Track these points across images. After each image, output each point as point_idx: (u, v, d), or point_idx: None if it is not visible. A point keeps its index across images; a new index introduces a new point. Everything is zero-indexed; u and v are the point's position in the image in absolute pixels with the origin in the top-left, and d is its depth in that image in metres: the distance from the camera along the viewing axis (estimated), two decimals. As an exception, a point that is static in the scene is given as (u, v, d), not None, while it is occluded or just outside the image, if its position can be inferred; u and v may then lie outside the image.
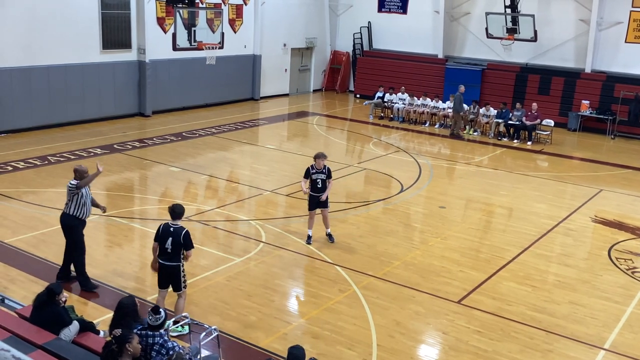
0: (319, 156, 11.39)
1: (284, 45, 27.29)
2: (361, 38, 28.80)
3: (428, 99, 23.79)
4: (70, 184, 8.96)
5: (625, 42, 23.08)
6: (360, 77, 28.45)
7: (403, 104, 23.95)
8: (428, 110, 23.41)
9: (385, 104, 24.27)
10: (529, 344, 8.25)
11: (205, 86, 23.77)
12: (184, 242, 7.76)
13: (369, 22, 28.60)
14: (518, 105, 21.83)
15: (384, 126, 22.85)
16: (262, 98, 26.36)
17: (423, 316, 8.94)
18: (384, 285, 9.82)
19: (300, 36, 27.99)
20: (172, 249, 7.81)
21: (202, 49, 20.57)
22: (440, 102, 23.56)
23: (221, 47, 24.03)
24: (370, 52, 28.63)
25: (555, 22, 24.05)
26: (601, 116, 22.81)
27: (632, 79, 22.59)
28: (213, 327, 7.00)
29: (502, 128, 21.66)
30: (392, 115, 23.94)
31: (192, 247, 7.87)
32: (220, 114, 22.90)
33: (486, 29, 24.45)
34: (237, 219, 12.50)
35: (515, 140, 21.18)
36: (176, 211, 7.97)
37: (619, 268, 11.00)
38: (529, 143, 20.92)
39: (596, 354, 8.17)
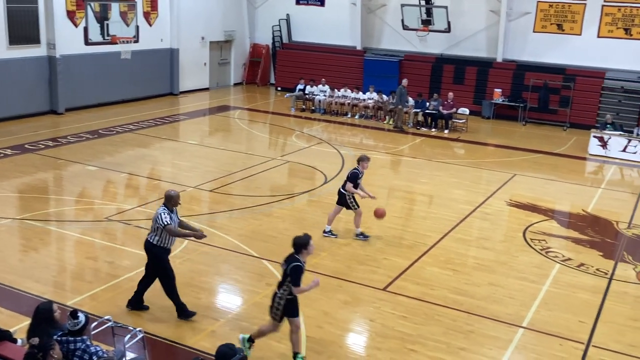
0: (367, 159, 11.41)
1: (202, 38, 26.85)
2: (280, 31, 28.74)
3: (349, 91, 24.08)
4: (160, 216, 8.06)
5: (534, 31, 24.16)
6: (281, 69, 28.42)
7: (324, 95, 24.12)
8: (349, 101, 23.69)
9: (307, 96, 24.37)
10: (452, 326, 8.55)
11: (122, 81, 23.05)
12: (290, 274, 7.22)
13: (288, 14, 28.57)
14: (435, 95, 22.46)
15: (306, 118, 22.94)
16: (181, 93, 25.87)
17: (350, 305, 9.08)
18: (311, 276, 9.88)
19: (218, 29, 27.61)
20: (283, 273, 7.35)
21: (117, 43, 19.97)
22: (360, 93, 23.90)
23: (136, 41, 23.40)
24: (289, 45, 28.62)
25: (468, 13, 24.85)
26: (513, 104, 23.80)
27: (540, 67, 23.69)
28: (138, 329, 6.83)
29: (420, 117, 22.22)
30: (313, 107, 24.07)
31: (296, 285, 7.18)
32: (138, 110, 22.29)
33: (402, 20, 24.99)
34: (159, 217, 12.21)
35: (433, 129, 21.79)
36: (295, 241, 7.35)
37: (534, 249, 11.55)
38: (446, 131, 21.57)
39: (515, 332, 8.55)
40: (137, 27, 23.45)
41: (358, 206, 11.47)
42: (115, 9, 22.45)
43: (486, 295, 9.58)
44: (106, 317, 7.23)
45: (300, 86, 24.56)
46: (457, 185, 15.38)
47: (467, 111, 22.61)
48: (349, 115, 23.42)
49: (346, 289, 9.52)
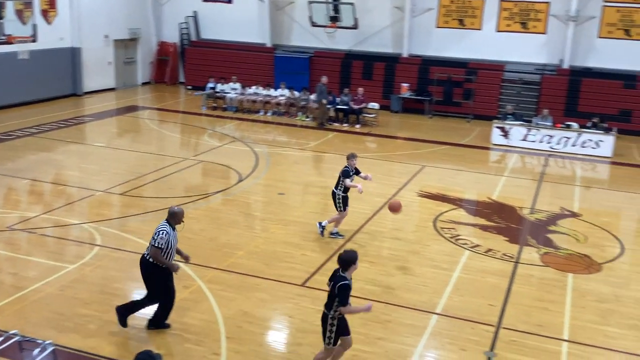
0: (354, 156, 11.67)
1: (106, 36, 25.92)
2: (188, 28, 28.22)
3: (260, 88, 23.99)
4: (157, 234, 7.63)
5: (437, 27, 24.98)
6: (190, 68, 27.92)
7: (235, 93, 23.92)
8: (261, 99, 23.61)
9: (217, 94, 24.07)
10: (369, 317, 8.71)
11: (20, 83, 21.89)
12: (337, 293, 6.80)
13: (195, 11, 28.09)
14: (345, 90, 22.78)
15: (218, 117, 22.67)
16: (86, 93, 24.88)
17: (269, 303, 9.07)
18: (229, 276, 9.81)
19: (122, 27, 26.75)
20: (330, 293, 6.94)
21: (13, 43, 18.92)
22: (272, 90, 23.88)
23: (34, 40, 22.29)
24: (198, 43, 28.16)
25: (374, 10, 25.35)
26: (420, 97, 24.53)
27: (444, 62, 24.54)
28: (47, 342, 6.54)
29: (332, 113, 22.47)
30: (225, 106, 23.81)
31: (344, 304, 6.80)
32: (40, 112, 21.25)
33: (310, 17, 25.14)
34: (67, 223, 11.72)
35: (345, 124, 22.11)
36: (342, 258, 6.99)
37: (444, 237, 11.98)
38: (358, 126, 21.94)
39: (429, 318, 8.84)
40: (35, 25, 22.33)
41: (344, 209, 11.58)
42: (10, 8, 21.27)
43: (401, 284, 9.84)
44: (12, 332, 6.87)
45: (210, 84, 24.22)
46: (370, 178, 15.67)
47: (376, 106, 23.10)
48: (261, 113, 23.34)
49: (264, 287, 9.51)
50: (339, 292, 6.74)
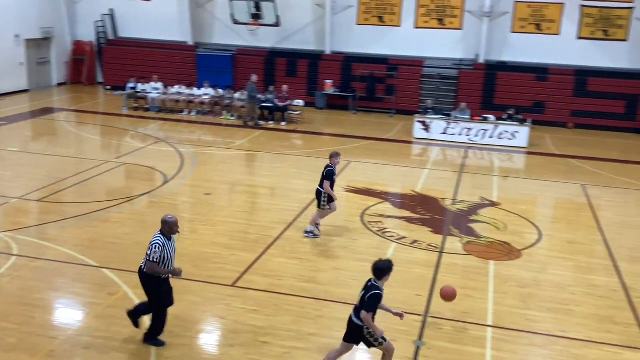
0: (337, 154, 11.56)
1: (16, 36, 24.75)
2: (104, 26, 27.35)
3: (183, 87, 23.58)
4: (152, 248, 7.41)
5: (357, 24, 25.31)
6: (109, 67, 27.09)
7: (157, 93, 23.41)
8: (184, 98, 23.20)
9: (139, 94, 23.47)
10: (301, 314, 8.77)
11: None
12: (367, 300, 6.85)
13: (111, 9, 27.27)
14: (270, 87, 22.73)
15: (140, 117, 22.11)
16: (-4, 96, 23.70)
17: (200, 305, 8.95)
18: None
19: (34, 26, 25.63)
20: (359, 305, 6.97)
21: None
22: (195, 89, 23.51)
23: (-63, 41, 21.02)
24: (116, 41, 27.35)
25: (295, 7, 25.39)
26: (343, 94, 24.81)
27: (366, 58, 24.91)
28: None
29: (257, 111, 22.36)
30: (147, 106, 23.25)
31: (370, 311, 6.87)
32: (-55, 118, 20.07)
33: (232, 15, 24.90)
34: (-20, 234, 11.14)
35: (271, 122, 22.06)
36: (377, 266, 7.00)
37: (372, 231, 12.18)
38: (283, 123, 21.95)
39: (359, 311, 8.97)
40: (-63, 25, 21.06)
41: (329, 207, 11.48)
42: None
43: (331, 279, 9.94)
44: None
45: (131, 84, 23.58)
46: (297, 175, 15.74)
47: (301, 103, 23.19)
48: (185, 113, 22.94)
49: (194, 290, 9.37)
50: (369, 299, 6.79)
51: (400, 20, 24.91)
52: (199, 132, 20.63)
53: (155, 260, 7.37)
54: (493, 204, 14.14)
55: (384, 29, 25.08)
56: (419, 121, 20.82)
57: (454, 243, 11.74)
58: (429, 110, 21.34)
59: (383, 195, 14.50)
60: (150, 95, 23.29)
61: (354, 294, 9.39)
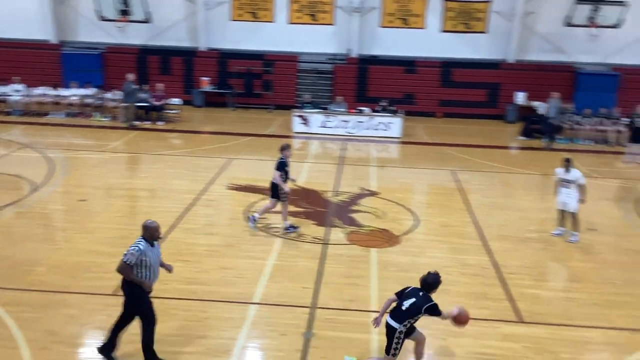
0: (288, 147, 11.84)
1: None
2: (-46, 25, 25.12)
3: (47, 88, 22.22)
4: (129, 250, 7.12)
5: (231, 20, 25.06)
6: (-39, 69, 24.92)
7: (19, 95, 21.89)
8: (49, 99, 21.88)
9: (-2, 97, 21.85)
10: (187, 317, 8.60)
11: None
12: (425, 312, 7.12)
13: (-39, 6, 25.10)
14: (144, 86, 21.99)
15: (1, 122, 20.57)
16: None
17: (78, 318, 8.51)
18: (29, 296, 9.01)
19: None
20: (406, 309, 7.12)
21: None
22: (61, 90, 22.25)
23: None
24: (-32, 41, 25.22)
25: (166, 3, 24.72)
26: (221, 91, 24.53)
27: (242, 54, 24.77)
28: None
29: (133, 111, 21.55)
30: (8, 109, 21.68)
31: (438, 315, 7.21)
32: None
33: (98, 11, 23.80)
34: None
35: (147, 122, 21.37)
36: (429, 281, 7.25)
37: (257, 227, 12.15)
38: (160, 123, 21.34)
39: (248, 309, 8.94)
40: None
41: (286, 198, 11.69)
42: None
43: (218, 279, 9.82)
44: None
45: (-12, 87, 21.88)
46: (177, 175, 15.38)
47: (178, 101, 22.68)
48: (51, 115, 21.64)
49: (72, 302, 8.89)
50: (432, 311, 7.12)
51: (273, 16, 24.98)
52: (68, 135, 19.55)
53: (129, 262, 7.09)
54: (372, 193, 14.59)
55: (258, 24, 25.04)
56: (298, 115, 21.04)
57: (338, 234, 12.00)
58: (306, 105, 21.61)
59: (266, 191, 14.47)
60: (11, 98, 21.74)
61: (242, 292, 9.37)
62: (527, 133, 21.36)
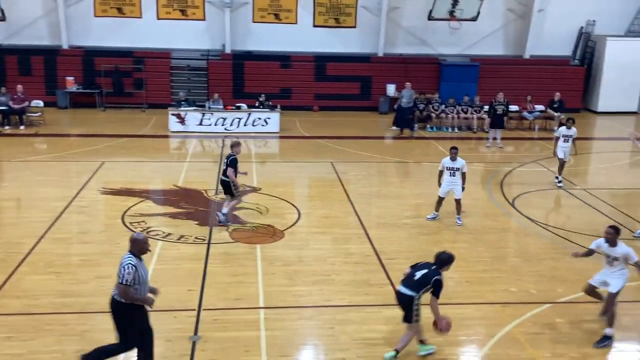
0: (238, 144, 12.28)
1: None
2: None
3: None
4: (123, 270, 6.67)
5: (95, 16, 23.90)
6: None
7: None
8: None
9: None
10: (64, 331, 8.13)
11: None
12: (432, 286, 7.56)
13: None
14: (2, 89, 20.45)
15: None
16: None
17: (-61, 344, 7.79)
18: None
19: None
20: (418, 280, 7.61)
21: None
22: None
23: None
24: None
25: (21, -1, 23.15)
26: (88, 90, 23.35)
27: (109, 52, 23.72)
28: None
29: (-12, 116, 20.03)
30: None
31: (438, 297, 7.58)
32: None
33: (-57, 7, 21.84)
34: None
35: (7, 127, 19.91)
36: (442, 258, 7.75)
37: (135, 232, 11.70)
38: (22, 127, 19.98)
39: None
40: None
41: (239, 193, 12.22)
42: None
43: (95, 290, 9.35)
44: None
45: None
46: (45, 182, 14.48)
47: (41, 103, 21.30)
48: None
49: None
50: (436, 285, 7.52)
51: (140, 12, 24.10)
52: None
53: (128, 282, 6.64)
54: (254, 190, 14.55)
55: (124, 20, 24.05)
56: (173, 114, 20.51)
57: (221, 232, 11.85)
58: (182, 103, 21.11)
59: (144, 194, 14.02)
60: None
61: (123, 300, 8.98)
62: (398, 123, 22.22)
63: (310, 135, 20.87)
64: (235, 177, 11.91)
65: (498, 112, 19.61)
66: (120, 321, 6.93)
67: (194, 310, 8.86)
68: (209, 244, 11.28)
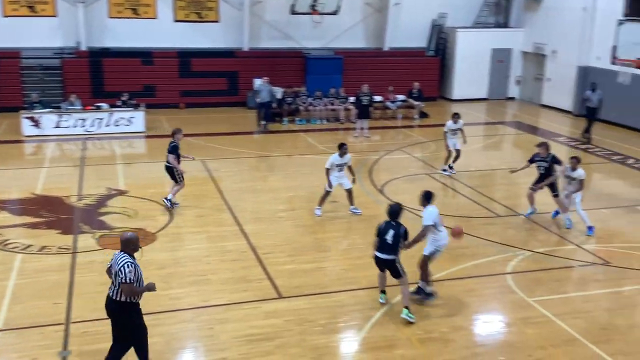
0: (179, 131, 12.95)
1: None
2: None
3: None
4: (123, 269, 6.73)
5: None
6: None
7: None
8: None
9: None
10: None
11: None
12: (403, 236, 8.57)
13: None
14: None
15: None
16: None
17: None
18: None
19: None
20: (392, 242, 8.53)
21: None
22: None
23: None
24: None
25: None
26: None
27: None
28: None
29: None
30: None
31: (406, 239, 8.68)
32: None
33: None
34: None
35: None
36: (394, 210, 8.67)
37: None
38: None
39: (-11, 339, 7.96)
40: None
41: (182, 179, 12.85)
42: None
43: (-53, 313, 8.54)
44: None
45: None
46: None
47: None
48: None
49: None
50: (406, 234, 8.59)
51: (-17, 8, 22.21)
52: None
53: (131, 280, 6.76)
54: (121, 193, 13.96)
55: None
56: (27, 117, 19.12)
57: (87, 240, 11.27)
58: (35, 105, 19.73)
59: (2, 204, 12.98)
60: None
61: (-20, 322, 8.27)
62: (267, 117, 22.25)
63: (178, 133, 20.33)
64: (178, 163, 12.64)
65: (364, 103, 20.23)
66: (126, 320, 7.02)
67: (62, 324, 8.35)
68: (74, 253, 10.67)
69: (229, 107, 24.39)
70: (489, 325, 8.91)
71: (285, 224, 12.41)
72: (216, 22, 24.93)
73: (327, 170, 12.63)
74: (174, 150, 12.55)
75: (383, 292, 9.20)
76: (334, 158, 12.67)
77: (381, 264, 8.81)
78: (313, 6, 24.81)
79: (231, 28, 24.98)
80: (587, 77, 23.24)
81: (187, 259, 10.60)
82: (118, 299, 6.92)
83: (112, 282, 7.01)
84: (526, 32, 26.85)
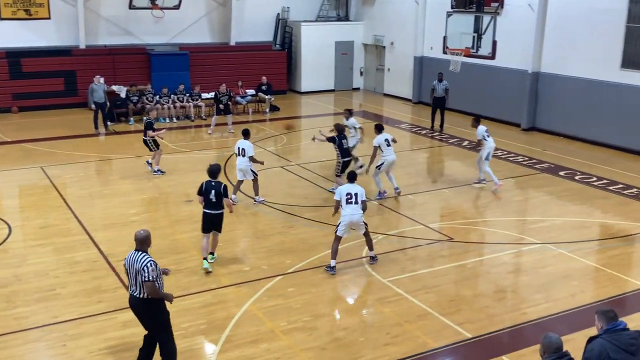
0: (154, 108, 16.73)
1: None
2: None
3: None
4: (147, 268, 6.71)
5: None
6: None
7: None
8: None
9: None
10: None
11: None
12: (224, 193, 9.79)
13: None
14: None
15: None
16: None
17: None
18: None
19: None
20: (216, 200, 9.79)
21: None
22: None
23: None
24: None
25: None
26: None
27: None
28: None
29: None
30: None
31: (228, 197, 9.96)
32: None
33: None
34: None
35: None
36: (214, 170, 9.95)
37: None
38: None
39: None
40: None
41: (158, 147, 15.14)
42: None
43: None
44: None
45: None
46: None
47: None
48: None
49: None
50: (225, 190, 9.86)
51: None
52: None
53: (154, 279, 6.72)
54: (-52, 209, 12.63)
55: None
56: None
57: None
58: None
59: None
60: None
61: None
62: (112, 118, 21.24)
63: (13, 140, 18.81)
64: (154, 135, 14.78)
65: (224, 103, 20.01)
66: (156, 315, 6.95)
67: None
68: None
69: (68, 109, 22.95)
70: (349, 309, 9.22)
71: (138, 228, 11.91)
72: (48, 19, 23.30)
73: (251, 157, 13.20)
74: (148, 126, 14.83)
75: (206, 259, 10.03)
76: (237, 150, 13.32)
77: (210, 218, 9.93)
78: (153, 1, 24.01)
79: (65, 25, 23.49)
80: (423, 67, 24.78)
81: (31, 275, 9.85)
82: (140, 296, 6.87)
83: (132, 283, 6.92)
84: (366, 25, 28.00)
